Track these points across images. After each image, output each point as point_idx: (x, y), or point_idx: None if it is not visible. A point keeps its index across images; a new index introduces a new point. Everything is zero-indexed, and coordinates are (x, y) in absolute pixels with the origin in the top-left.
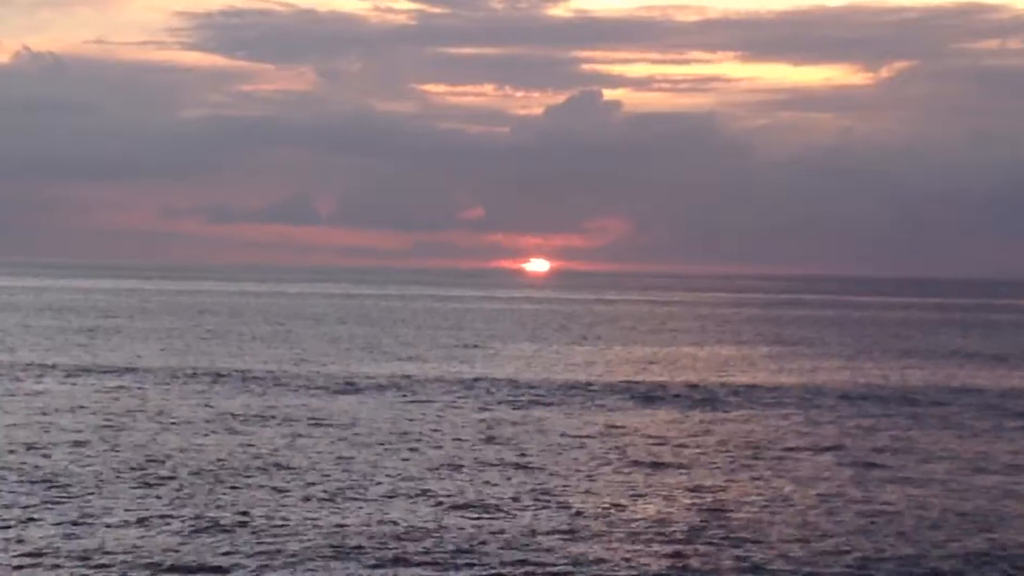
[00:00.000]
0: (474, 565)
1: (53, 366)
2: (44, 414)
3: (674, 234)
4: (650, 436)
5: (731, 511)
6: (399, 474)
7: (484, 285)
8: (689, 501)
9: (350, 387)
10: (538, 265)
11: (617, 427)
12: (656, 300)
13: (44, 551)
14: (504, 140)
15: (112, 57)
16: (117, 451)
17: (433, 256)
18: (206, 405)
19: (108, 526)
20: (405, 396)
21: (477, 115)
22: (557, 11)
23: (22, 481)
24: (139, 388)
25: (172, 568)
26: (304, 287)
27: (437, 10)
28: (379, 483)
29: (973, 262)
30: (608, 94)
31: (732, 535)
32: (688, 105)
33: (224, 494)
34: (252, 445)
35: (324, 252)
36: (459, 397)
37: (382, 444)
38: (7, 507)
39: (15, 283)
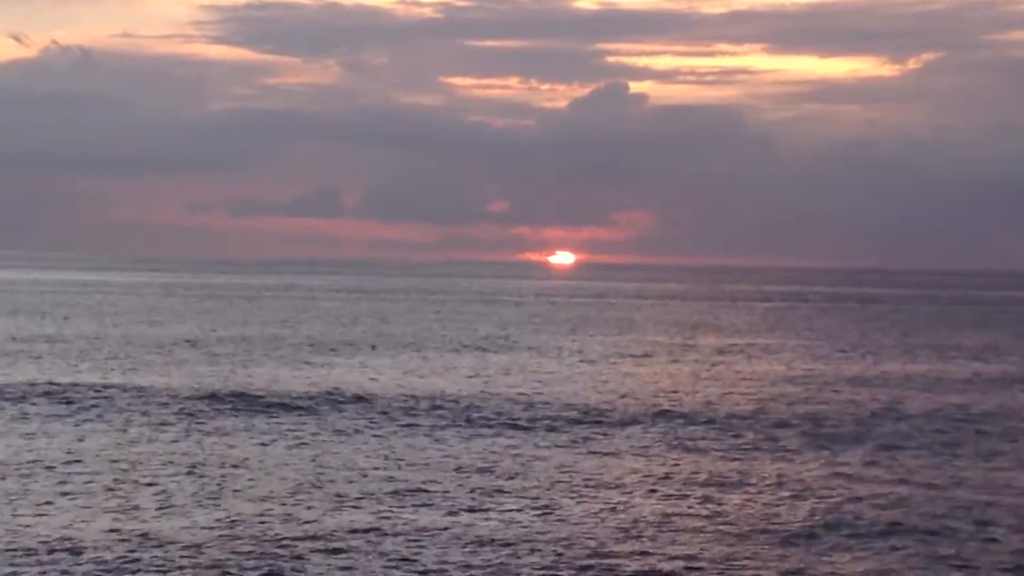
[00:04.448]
0: None
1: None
2: None
3: (699, 227)
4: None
5: None
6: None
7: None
8: None
9: None
10: (563, 258)
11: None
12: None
13: None
14: (529, 133)
15: (139, 50)
16: None
17: (459, 249)
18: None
19: None
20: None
21: (503, 108)
22: (583, 3)
23: None
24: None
25: None
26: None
27: (462, 3)
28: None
29: (1001, 254)
30: (634, 87)
31: None
32: (714, 97)
33: None
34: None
35: (351, 245)
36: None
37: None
38: None
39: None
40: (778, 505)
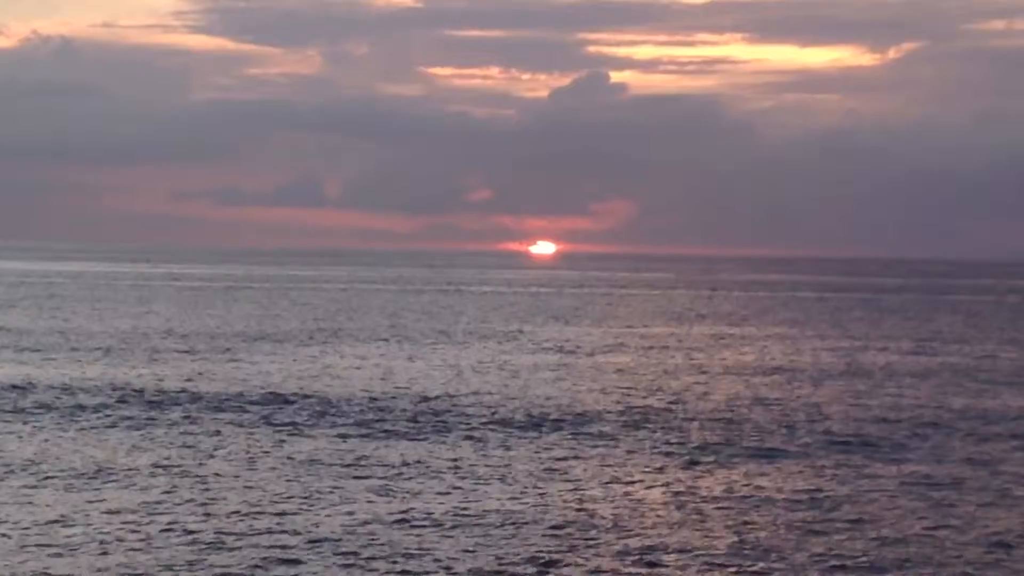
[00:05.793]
0: None
1: None
2: None
3: (679, 216)
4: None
5: None
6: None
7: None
8: None
9: None
10: (544, 248)
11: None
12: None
13: None
14: (510, 122)
15: (120, 41)
16: None
17: (441, 239)
18: None
19: None
20: None
21: (483, 98)
22: None
23: None
24: None
25: None
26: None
27: None
28: None
29: (978, 243)
30: (614, 76)
31: None
32: (694, 87)
33: None
34: None
35: (333, 235)
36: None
37: None
38: None
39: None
40: (776, 510)
